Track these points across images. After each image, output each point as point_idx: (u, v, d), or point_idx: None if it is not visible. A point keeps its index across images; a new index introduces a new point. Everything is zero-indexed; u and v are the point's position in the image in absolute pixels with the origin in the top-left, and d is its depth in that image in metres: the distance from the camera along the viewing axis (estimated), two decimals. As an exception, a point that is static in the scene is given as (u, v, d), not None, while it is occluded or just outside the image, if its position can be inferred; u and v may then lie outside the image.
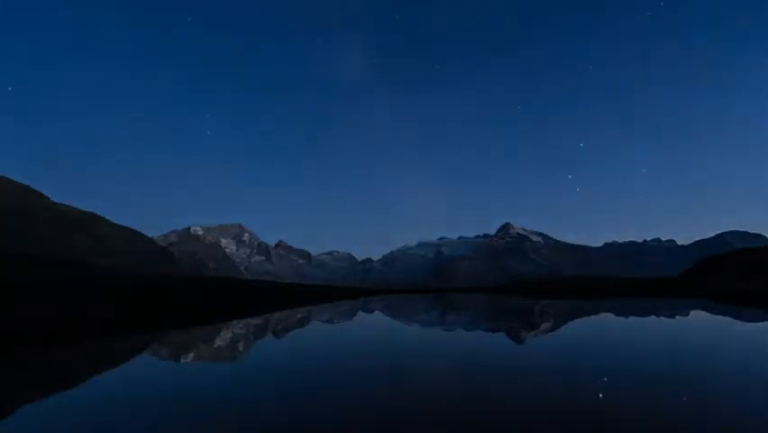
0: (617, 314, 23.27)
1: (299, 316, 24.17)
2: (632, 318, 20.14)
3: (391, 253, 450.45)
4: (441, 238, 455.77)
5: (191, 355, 10.63)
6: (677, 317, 20.81)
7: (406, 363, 8.77)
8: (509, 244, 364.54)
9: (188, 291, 45.42)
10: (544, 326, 17.65)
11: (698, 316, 21.27)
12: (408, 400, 5.63)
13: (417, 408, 5.32)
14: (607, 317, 21.10)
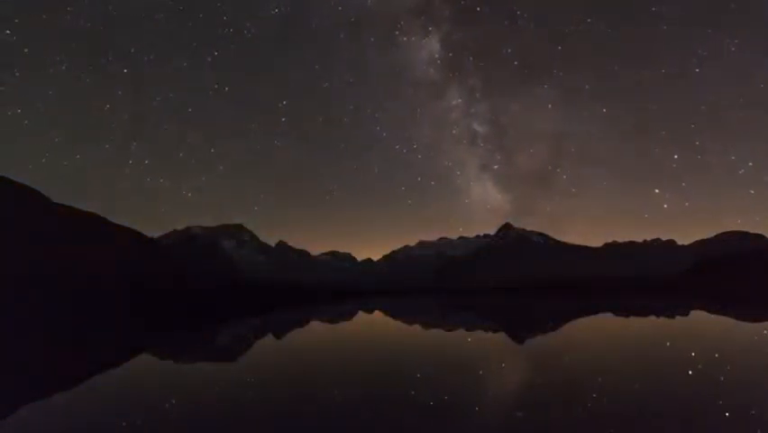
0: (617, 314, 23.38)
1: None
2: (632, 319, 20.22)
3: (391, 252, 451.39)
4: (441, 238, 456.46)
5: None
6: (677, 317, 20.91)
7: (407, 365, 8.92)
8: (509, 244, 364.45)
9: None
10: (545, 326, 17.76)
11: (697, 316, 21.36)
12: (409, 402, 5.77)
13: (418, 409, 5.45)
14: (607, 318, 21.20)
